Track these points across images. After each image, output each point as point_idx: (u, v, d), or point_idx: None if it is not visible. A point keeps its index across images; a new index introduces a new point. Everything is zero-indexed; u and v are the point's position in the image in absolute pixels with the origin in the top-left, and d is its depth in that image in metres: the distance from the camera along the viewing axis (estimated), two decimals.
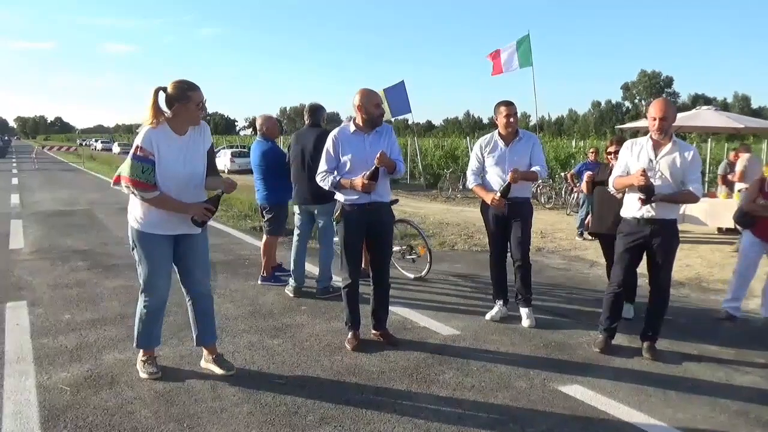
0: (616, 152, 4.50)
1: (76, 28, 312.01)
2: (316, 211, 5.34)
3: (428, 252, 6.22)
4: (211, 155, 3.55)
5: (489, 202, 4.60)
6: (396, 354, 4.00)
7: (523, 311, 4.72)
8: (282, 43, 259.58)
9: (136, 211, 3.38)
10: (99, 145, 63.19)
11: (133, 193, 3.27)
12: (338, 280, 4.62)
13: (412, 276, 6.17)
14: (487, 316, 4.77)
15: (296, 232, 5.53)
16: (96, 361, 3.79)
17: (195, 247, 3.53)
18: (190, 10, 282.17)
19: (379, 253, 4.23)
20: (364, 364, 3.83)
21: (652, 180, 3.84)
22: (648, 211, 3.93)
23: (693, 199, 3.93)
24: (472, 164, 4.82)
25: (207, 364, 3.69)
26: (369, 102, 4.00)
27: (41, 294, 5.37)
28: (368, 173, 3.88)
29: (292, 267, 5.51)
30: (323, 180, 4.12)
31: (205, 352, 3.72)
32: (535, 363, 3.90)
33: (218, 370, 3.61)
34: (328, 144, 4.12)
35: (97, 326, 4.47)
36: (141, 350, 3.62)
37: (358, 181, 3.91)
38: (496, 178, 4.63)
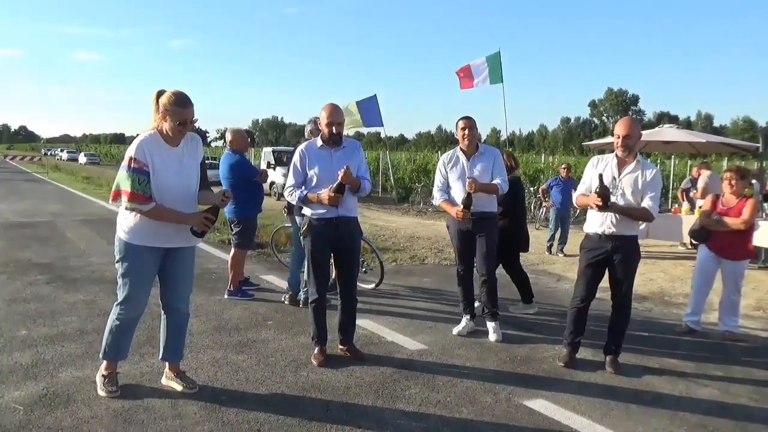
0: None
1: (43, 35, 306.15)
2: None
3: (380, 264, 6.37)
4: (203, 169, 3.50)
5: (454, 215, 4.61)
6: (362, 369, 3.97)
7: (490, 325, 4.74)
8: (254, 56, 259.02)
9: (126, 222, 3.27)
10: (65, 155, 61.65)
11: (132, 208, 3.17)
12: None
13: (367, 287, 6.21)
14: (454, 331, 4.78)
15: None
16: (52, 379, 3.67)
17: (183, 261, 3.46)
18: (162, 20, 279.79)
19: (347, 267, 4.20)
20: (330, 379, 3.79)
21: (613, 197, 3.94)
22: (609, 228, 4.01)
23: (648, 216, 4.01)
24: (437, 181, 4.86)
25: (168, 381, 3.60)
26: (325, 119, 3.98)
27: None
28: (334, 186, 3.86)
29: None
30: (291, 194, 4.11)
31: (167, 368, 3.63)
32: (501, 377, 3.92)
33: (179, 387, 3.53)
34: (296, 158, 4.11)
35: (54, 342, 4.33)
36: (105, 362, 3.50)
37: (325, 194, 3.89)
38: (459, 193, 4.66)
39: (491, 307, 4.77)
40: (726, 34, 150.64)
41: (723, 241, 4.92)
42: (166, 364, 3.63)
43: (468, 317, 4.84)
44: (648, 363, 4.28)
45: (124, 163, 3.16)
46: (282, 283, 6.33)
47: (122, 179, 3.17)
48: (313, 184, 4.01)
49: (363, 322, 4.88)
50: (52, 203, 15.19)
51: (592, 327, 4.92)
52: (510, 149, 26.09)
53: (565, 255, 9.17)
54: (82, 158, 53.61)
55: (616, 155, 4.07)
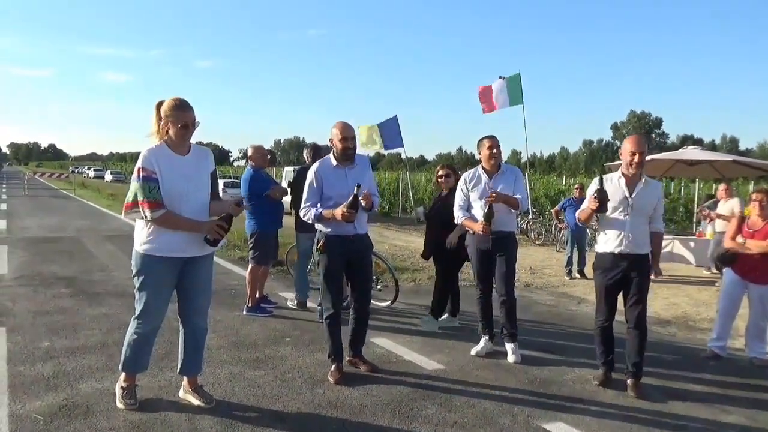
0: (446, 175, 5.51)
1: (74, 56, 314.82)
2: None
3: (395, 282, 6.45)
4: (215, 180, 3.54)
5: (477, 230, 4.57)
6: (379, 388, 3.95)
7: (509, 346, 4.68)
8: (277, 77, 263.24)
9: (142, 235, 3.30)
10: (91, 173, 63.14)
11: (144, 216, 3.20)
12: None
13: (381, 305, 6.21)
14: (473, 351, 4.73)
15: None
16: (72, 390, 3.71)
17: (200, 273, 3.47)
18: (189, 42, 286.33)
19: (360, 281, 4.27)
20: (346, 397, 3.77)
21: (627, 216, 3.98)
22: (626, 247, 4.01)
23: (661, 240, 4.21)
24: (458, 199, 4.83)
25: (185, 395, 3.61)
26: (337, 136, 4.05)
27: (21, 321, 5.28)
28: (348, 203, 3.88)
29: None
30: (306, 214, 4.14)
31: (185, 382, 3.65)
32: (520, 399, 3.85)
33: (196, 402, 3.54)
34: (311, 178, 4.13)
35: (76, 354, 4.39)
36: (123, 374, 3.52)
37: (339, 211, 3.90)
38: (480, 212, 4.63)
39: (510, 328, 4.70)
40: (751, 57, 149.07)
41: (750, 265, 4.81)
42: (184, 377, 3.65)
43: (487, 338, 4.79)
44: (671, 388, 4.17)
45: (134, 175, 3.21)
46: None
47: (133, 190, 3.22)
48: (331, 203, 4.04)
49: (380, 341, 4.86)
50: (78, 219, 15.51)
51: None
52: (531, 171, 25.97)
53: (586, 277, 9.03)
54: (107, 176, 54.70)
55: (623, 174, 4.07)
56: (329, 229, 4.10)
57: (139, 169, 3.18)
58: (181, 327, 3.60)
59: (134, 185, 3.21)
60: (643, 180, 4.04)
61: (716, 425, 3.60)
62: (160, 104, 3.30)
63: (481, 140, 4.79)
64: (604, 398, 3.94)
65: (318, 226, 4.18)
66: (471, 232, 4.72)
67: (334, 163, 4.12)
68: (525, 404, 3.77)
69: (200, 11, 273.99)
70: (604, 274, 4.12)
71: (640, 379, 4.08)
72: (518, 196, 4.62)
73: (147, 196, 3.16)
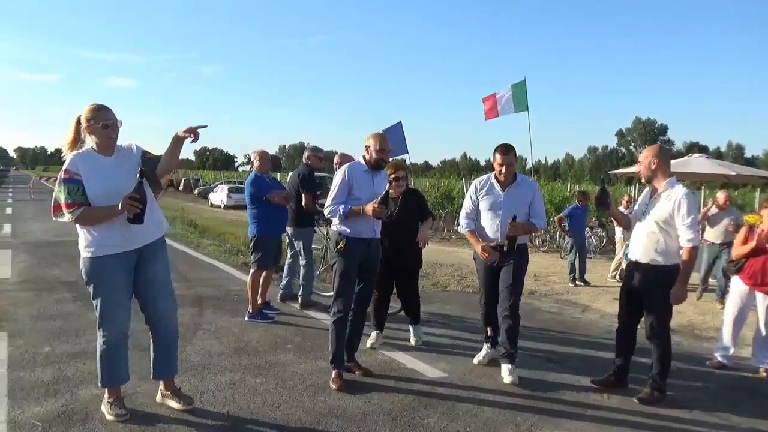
0: (401, 178, 5.11)
1: (81, 61, 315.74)
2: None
3: None
4: (150, 161, 3.35)
5: (480, 252, 4.42)
6: (380, 396, 3.91)
7: (505, 367, 4.35)
8: (281, 83, 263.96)
9: (84, 238, 3.28)
10: None
11: (65, 217, 3.20)
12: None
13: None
14: (475, 360, 4.68)
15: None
16: (72, 396, 3.69)
17: (156, 270, 3.41)
18: (195, 47, 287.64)
19: (366, 288, 4.32)
20: (348, 405, 3.74)
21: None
22: (642, 256, 4.06)
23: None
24: (466, 206, 4.59)
25: (164, 399, 3.59)
26: (375, 147, 4.16)
27: (23, 325, 5.28)
28: (380, 198, 3.99)
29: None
30: (333, 211, 4.14)
31: (162, 386, 3.61)
32: (523, 408, 3.81)
33: (176, 405, 3.52)
34: (342, 177, 4.15)
35: (76, 359, 4.37)
36: (106, 390, 3.44)
37: (370, 207, 3.99)
38: (489, 223, 4.43)
39: (509, 348, 4.35)
40: (758, 63, 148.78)
41: (755, 274, 4.76)
42: (161, 382, 3.60)
43: (488, 345, 4.73)
44: (676, 397, 4.12)
45: (58, 178, 3.19)
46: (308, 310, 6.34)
47: (56, 193, 3.19)
48: (356, 203, 4.10)
49: (383, 348, 4.82)
50: None
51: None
52: (536, 177, 25.90)
53: (590, 284, 8.98)
54: None
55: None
56: (350, 231, 4.13)
57: (63, 171, 3.18)
58: (150, 333, 3.55)
59: (59, 188, 3.18)
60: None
61: None
62: (78, 120, 3.29)
63: (495, 151, 4.44)
64: (608, 406, 3.90)
65: (338, 227, 4.18)
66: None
67: (365, 168, 4.21)
68: (528, 413, 3.73)
69: (206, 17, 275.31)
70: (625, 280, 4.33)
71: (655, 390, 4.06)
72: (535, 221, 4.44)
73: (67, 198, 3.15)
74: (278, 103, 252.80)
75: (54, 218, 3.33)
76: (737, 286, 4.93)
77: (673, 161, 12.53)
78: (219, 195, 29.32)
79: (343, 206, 4.09)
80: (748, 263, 4.81)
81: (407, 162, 14.15)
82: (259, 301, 5.88)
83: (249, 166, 8.74)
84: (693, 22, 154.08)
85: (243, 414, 3.56)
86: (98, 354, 3.40)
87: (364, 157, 4.24)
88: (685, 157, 12.33)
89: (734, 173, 11.41)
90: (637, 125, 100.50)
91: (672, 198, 3.90)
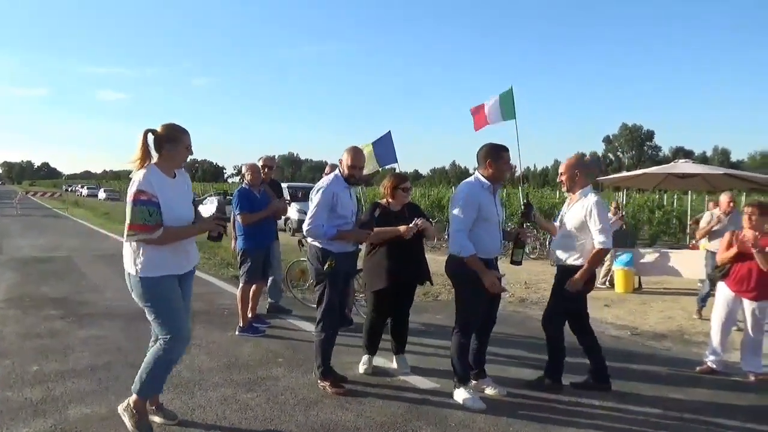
0: (405, 189, 4.75)
1: (70, 75, 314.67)
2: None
3: None
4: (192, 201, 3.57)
5: (491, 285, 3.94)
6: (373, 408, 3.90)
7: (485, 381, 4.33)
8: (272, 94, 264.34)
9: (140, 259, 3.23)
10: (84, 191, 62.87)
11: (147, 239, 3.16)
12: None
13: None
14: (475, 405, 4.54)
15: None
16: (60, 416, 3.65)
17: (188, 290, 3.49)
18: (186, 59, 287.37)
19: (345, 296, 4.56)
20: (340, 419, 3.72)
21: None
22: (555, 258, 4.42)
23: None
24: (466, 223, 3.97)
25: (149, 415, 3.54)
26: (347, 162, 4.22)
27: (10, 344, 5.21)
28: (363, 223, 4.30)
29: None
30: (316, 231, 4.11)
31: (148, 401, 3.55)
32: (515, 418, 3.81)
33: (160, 420, 3.51)
34: (327, 197, 4.11)
35: (65, 378, 4.32)
36: (136, 397, 3.37)
37: (354, 235, 4.22)
38: (484, 235, 4.03)
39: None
40: (743, 68, 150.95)
41: (741, 280, 4.81)
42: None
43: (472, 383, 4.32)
44: (667, 403, 4.15)
45: (131, 198, 3.15)
46: (295, 320, 6.32)
47: (133, 214, 3.14)
48: (341, 221, 4.17)
49: (375, 359, 4.81)
50: (71, 239, 15.40)
51: (608, 364, 4.79)
52: (526, 185, 26.03)
53: None
54: (101, 194, 54.54)
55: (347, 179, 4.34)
56: (335, 248, 4.18)
57: (140, 192, 3.13)
58: (152, 343, 3.49)
59: (135, 209, 3.13)
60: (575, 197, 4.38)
61: None
62: (147, 133, 3.28)
63: (501, 150, 4.12)
64: (600, 413, 3.91)
65: (322, 244, 4.18)
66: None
67: (345, 184, 4.26)
68: (521, 423, 3.73)
69: (197, 29, 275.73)
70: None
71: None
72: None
73: (148, 220, 3.13)
74: (267, 114, 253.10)
75: (127, 239, 3.21)
76: (723, 291, 4.97)
77: (660, 167, 12.71)
78: (209, 207, 29.17)
79: (326, 227, 4.10)
80: (733, 269, 4.86)
81: (397, 171, 14.17)
82: (249, 315, 5.86)
83: (239, 177, 8.71)
84: (679, 28, 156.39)
85: (235, 430, 3.53)
86: (159, 366, 3.35)
87: (341, 172, 4.27)
88: (672, 163, 12.46)
89: (722, 173, 11.58)
90: (623, 131, 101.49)
91: (585, 206, 4.21)
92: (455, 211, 4.00)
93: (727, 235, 5.09)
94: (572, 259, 4.28)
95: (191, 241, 3.47)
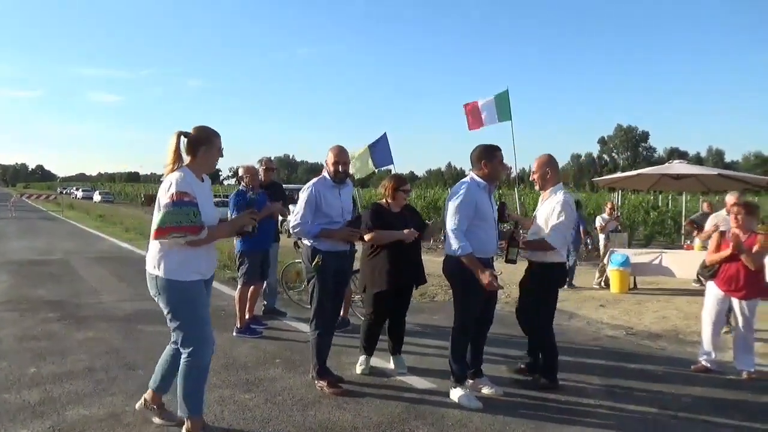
0: (405, 191, 4.78)
1: (65, 77, 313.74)
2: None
3: None
4: None
5: (487, 282, 3.94)
6: (370, 409, 3.92)
7: (482, 380, 4.35)
8: (267, 95, 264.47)
9: (170, 261, 3.18)
10: (79, 194, 62.63)
11: (188, 240, 3.12)
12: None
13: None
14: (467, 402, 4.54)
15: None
16: (59, 417, 3.65)
17: (209, 293, 3.49)
18: (180, 61, 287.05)
19: (339, 298, 4.57)
20: (338, 419, 3.74)
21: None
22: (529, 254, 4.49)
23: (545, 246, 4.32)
24: (464, 223, 3.99)
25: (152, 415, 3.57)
26: (332, 159, 4.29)
27: (7, 346, 5.21)
28: (351, 222, 4.28)
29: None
30: (302, 228, 4.19)
31: (150, 396, 3.56)
32: (512, 418, 3.83)
33: (158, 420, 3.55)
34: (311, 195, 4.19)
35: (63, 380, 4.33)
36: (193, 420, 3.29)
37: (344, 233, 4.24)
38: (482, 234, 4.06)
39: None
40: (737, 70, 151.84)
41: (730, 279, 4.86)
42: (152, 392, 3.55)
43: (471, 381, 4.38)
44: (663, 402, 4.18)
45: (168, 200, 3.07)
46: (292, 321, 6.34)
47: (177, 215, 3.06)
48: (326, 221, 4.21)
49: (372, 360, 4.83)
50: (66, 241, 15.37)
51: (604, 363, 4.84)
52: (522, 186, 26.11)
53: (574, 287, 9.39)
54: (96, 196, 54.37)
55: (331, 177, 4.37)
56: (324, 246, 4.22)
57: (180, 193, 3.07)
58: (173, 347, 3.47)
59: (180, 210, 3.06)
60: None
61: None
62: (179, 135, 3.23)
63: (496, 150, 4.19)
64: (595, 411, 3.95)
65: (311, 243, 4.25)
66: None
67: (331, 183, 4.29)
68: (517, 423, 3.75)
69: (191, 31, 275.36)
70: None
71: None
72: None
73: (194, 221, 3.10)
74: (264, 116, 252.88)
75: (160, 239, 3.14)
76: (712, 291, 5.02)
77: (655, 167, 12.79)
78: None
79: (309, 225, 4.17)
80: (722, 268, 4.91)
81: (392, 172, 14.20)
82: (247, 316, 5.87)
83: (235, 180, 8.70)
84: (674, 30, 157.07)
85: (233, 430, 3.55)
86: (192, 381, 3.29)
87: (327, 171, 4.31)
88: (666, 164, 12.55)
89: (716, 173, 11.69)
90: (618, 132, 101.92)
91: (552, 202, 4.34)
92: (452, 211, 4.01)
93: (715, 236, 5.14)
94: (543, 257, 4.38)
95: (214, 245, 3.44)
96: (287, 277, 7.67)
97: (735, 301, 4.87)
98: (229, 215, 5.81)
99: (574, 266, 9.73)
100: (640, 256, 9.31)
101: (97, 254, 12.56)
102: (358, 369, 4.69)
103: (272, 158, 7.02)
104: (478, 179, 4.13)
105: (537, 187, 4.57)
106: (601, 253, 10.35)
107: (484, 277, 3.93)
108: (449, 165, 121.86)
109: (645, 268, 9.14)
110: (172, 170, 3.19)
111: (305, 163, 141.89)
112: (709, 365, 4.96)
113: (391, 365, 4.79)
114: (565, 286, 9.24)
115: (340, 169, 4.26)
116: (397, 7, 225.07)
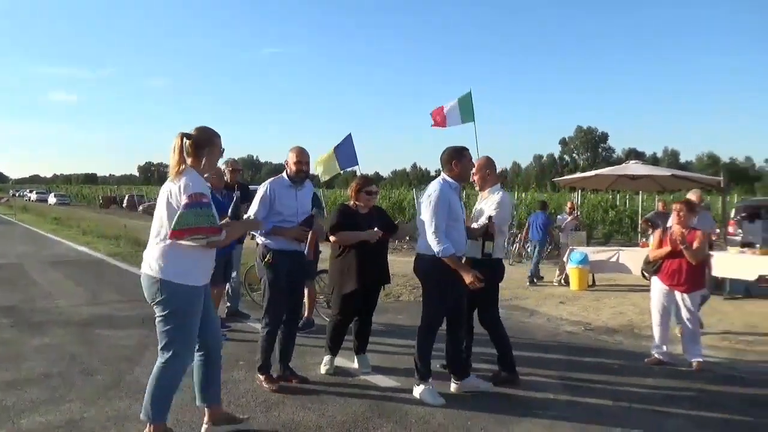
0: (369, 192, 4.75)
1: (19, 76, 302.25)
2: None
3: None
4: None
5: (471, 281, 4.02)
6: (334, 408, 3.94)
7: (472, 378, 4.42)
8: (230, 95, 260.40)
9: (174, 263, 3.08)
10: (34, 196, 60.52)
11: (208, 241, 3.06)
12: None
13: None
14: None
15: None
16: (13, 426, 3.55)
17: (208, 299, 3.40)
18: (141, 60, 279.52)
19: (297, 296, 4.56)
20: (302, 419, 3.75)
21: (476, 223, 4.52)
22: (470, 252, 4.45)
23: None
24: (442, 223, 4.04)
25: (215, 428, 3.49)
26: (293, 159, 4.34)
27: None
28: (302, 221, 4.28)
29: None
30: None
31: (211, 412, 3.49)
32: (474, 413, 3.91)
33: (241, 416, 3.62)
34: (265, 193, 4.26)
35: (17, 388, 4.20)
36: (153, 426, 3.18)
37: (294, 231, 4.24)
38: (455, 234, 4.14)
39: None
40: (692, 73, 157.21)
41: (673, 274, 5.08)
42: (207, 409, 3.48)
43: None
44: (618, 394, 4.33)
45: (187, 200, 2.98)
46: (255, 324, 6.29)
47: (193, 216, 2.99)
48: (279, 219, 4.26)
49: (336, 359, 4.85)
50: (20, 245, 14.85)
51: (563, 358, 4.96)
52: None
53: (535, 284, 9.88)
54: (51, 199, 52.70)
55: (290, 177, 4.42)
56: (275, 244, 4.27)
57: (200, 194, 3.01)
58: (201, 354, 3.40)
59: (200, 211, 3.00)
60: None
61: (659, 425, 3.77)
62: (182, 137, 3.14)
63: (465, 151, 4.32)
64: (555, 406, 4.06)
65: (263, 240, 4.34)
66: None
67: (288, 182, 4.32)
68: (480, 418, 3.83)
69: (152, 29, 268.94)
70: None
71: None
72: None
73: (213, 222, 3.06)
74: (226, 116, 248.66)
75: (198, 240, 3.04)
76: (657, 286, 5.24)
77: (612, 168, 13.16)
78: None
79: (264, 223, 4.19)
80: (665, 264, 5.14)
81: (358, 173, 14.22)
82: None
83: None
84: (631, 32, 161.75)
85: None
86: (166, 385, 3.20)
87: (286, 171, 4.37)
88: (623, 164, 12.93)
89: (669, 174, 12.10)
90: (579, 133, 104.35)
91: (492, 202, 4.52)
92: (430, 213, 4.04)
93: (657, 233, 5.36)
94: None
95: (214, 250, 3.33)
96: (250, 279, 7.61)
97: (678, 295, 5.09)
98: None
99: (539, 263, 10.21)
100: (598, 254, 9.58)
101: (52, 258, 12.18)
102: (323, 369, 4.70)
103: (237, 159, 6.95)
104: (450, 180, 4.23)
105: (477, 188, 4.80)
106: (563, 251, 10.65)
107: (468, 276, 4.02)
108: (414, 165, 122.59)
109: (603, 266, 9.41)
110: (179, 172, 3.11)
111: (269, 163, 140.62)
112: (662, 357, 5.15)
113: (356, 365, 4.81)
114: (527, 284, 9.54)
115: (303, 169, 4.33)
116: (360, 9, 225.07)
